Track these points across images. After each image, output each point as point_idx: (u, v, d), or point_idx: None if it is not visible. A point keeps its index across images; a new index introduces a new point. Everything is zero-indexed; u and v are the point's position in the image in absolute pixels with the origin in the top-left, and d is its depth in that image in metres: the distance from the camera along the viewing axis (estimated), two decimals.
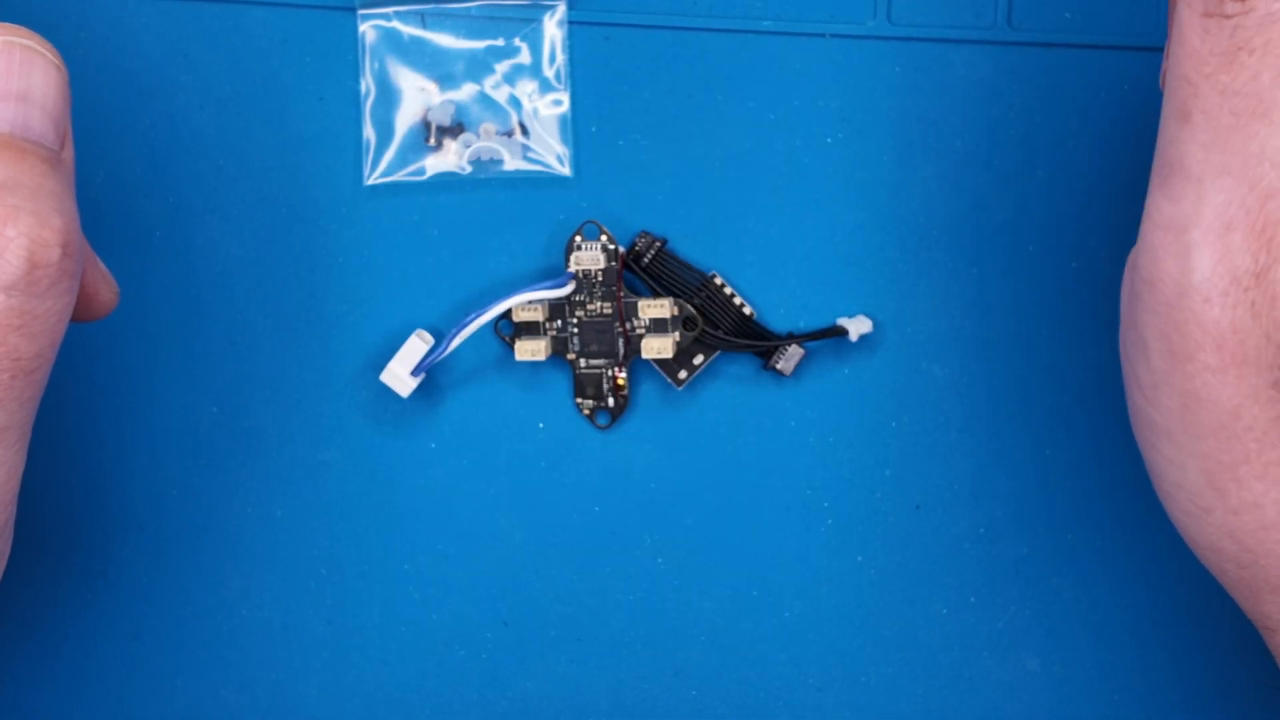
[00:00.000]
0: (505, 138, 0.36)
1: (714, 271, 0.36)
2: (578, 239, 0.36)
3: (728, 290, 0.36)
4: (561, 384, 0.37)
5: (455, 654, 0.37)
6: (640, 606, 0.37)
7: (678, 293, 0.36)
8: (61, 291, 0.27)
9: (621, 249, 0.36)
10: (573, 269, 0.36)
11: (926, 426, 0.36)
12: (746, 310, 0.36)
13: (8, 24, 0.28)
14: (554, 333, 0.36)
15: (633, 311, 0.36)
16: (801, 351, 0.36)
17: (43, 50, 0.28)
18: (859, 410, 0.36)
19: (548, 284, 0.35)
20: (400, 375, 0.35)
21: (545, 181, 0.36)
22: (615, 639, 0.37)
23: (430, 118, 0.36)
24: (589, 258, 0.35)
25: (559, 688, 0.37)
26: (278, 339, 0.36)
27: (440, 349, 0.35)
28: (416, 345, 0.35)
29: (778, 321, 0.36)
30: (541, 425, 0.37)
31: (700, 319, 0.35)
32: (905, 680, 0.36)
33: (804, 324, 0.36)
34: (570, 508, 0.37)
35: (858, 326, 0.36)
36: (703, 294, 0.36)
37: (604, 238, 0.36)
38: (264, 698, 0.37)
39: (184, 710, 0.37)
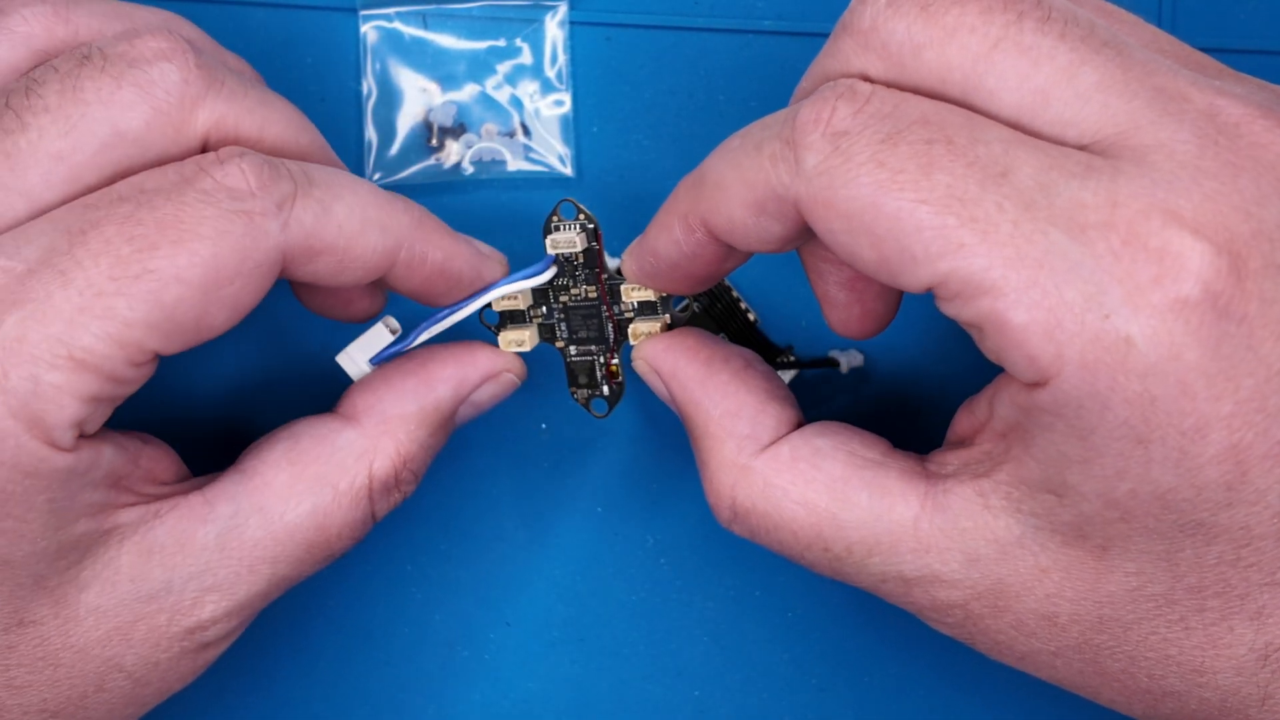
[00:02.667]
0: (507, 138, 0.36)
1: None
2: (554, 219, 0.32)
3: (734, 294, 0.36)
4: (560, 380, 0.36)
5: (458, 654, 0.37)
6: (642, 607, 0.37)
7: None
8: None
9: (601, 229, 0.33)
10: (551, 252, 0.33)
11: (922, 426, 0.36)
12: (751, 316, 0.36)
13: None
14: (540, 319, 0.34)
15: (617, 294, 0.33)
16: (790, 373, 0.36)
17: (518, 381, 0.34)
18: (858, 409, 0.36)
19: (526, 272, 0.32)
20: (358, 361, 0.33)
21: (547, 182, 0.36)
22: (618, 639, 0.37)
23: (432, 118, 0.36)
24: (565, 240, 0.32)
25: (561, 688, 0.37)
26: (278, 339, 0.36)
27: (406, 342, 0.32)
28: (381, 334, 0.33)
29: (780, 329, 0.36)
30: (544, 426, 0.37)
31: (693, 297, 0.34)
32: (907, 680, 0.36)
33: (804, 328, 0.36)
34: (572, 508, 0.37)
35: (849, 360, 0.36)
36: (709, 294, 0.36)
37: (581, 216, 0.32)
38: (268, 699, 0.37)
39: (187, 712, 0.37)
